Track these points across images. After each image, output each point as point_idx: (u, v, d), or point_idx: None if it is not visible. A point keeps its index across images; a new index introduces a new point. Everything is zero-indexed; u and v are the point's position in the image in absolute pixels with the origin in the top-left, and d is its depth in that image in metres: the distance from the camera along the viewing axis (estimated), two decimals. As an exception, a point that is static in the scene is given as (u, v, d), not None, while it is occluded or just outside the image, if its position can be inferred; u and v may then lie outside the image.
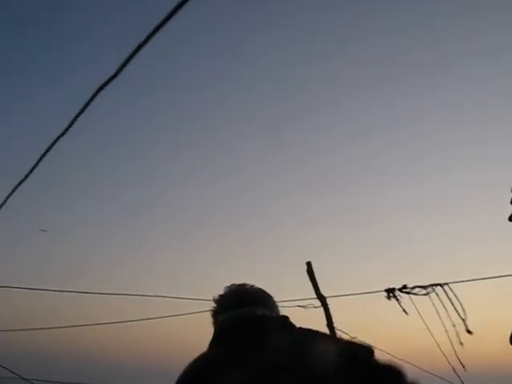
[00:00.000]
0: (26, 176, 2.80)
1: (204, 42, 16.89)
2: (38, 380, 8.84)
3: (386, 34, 15.98)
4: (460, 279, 4.99)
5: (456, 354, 4.88)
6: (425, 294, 5.10)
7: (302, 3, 14.58)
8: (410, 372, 1.58)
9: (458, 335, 4.73)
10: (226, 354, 1.54)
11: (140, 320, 7.65)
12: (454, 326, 4.74)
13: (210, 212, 19.65)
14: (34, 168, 2.65)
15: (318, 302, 5.97)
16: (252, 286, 1.88)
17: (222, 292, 1.87)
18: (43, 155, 2.51)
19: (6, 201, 3.18)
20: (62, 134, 2.32)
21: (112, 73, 1.92)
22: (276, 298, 1.92)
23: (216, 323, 1.78)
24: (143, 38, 1.70)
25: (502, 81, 14.61)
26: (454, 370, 5.08)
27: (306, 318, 5.96)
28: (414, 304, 5.18)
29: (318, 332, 1.70)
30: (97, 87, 2.01)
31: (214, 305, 1.83)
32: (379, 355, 1.63)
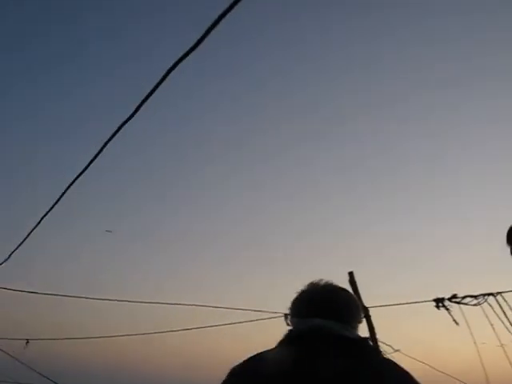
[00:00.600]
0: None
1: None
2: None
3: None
4: (514, 289, 4.69)
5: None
6: (475, 305, 4.86)
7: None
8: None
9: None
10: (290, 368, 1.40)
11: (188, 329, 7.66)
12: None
13: (254, 222, 19.70)
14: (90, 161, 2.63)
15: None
16: (339, 289, 1.66)
17: (304, 287, 1.67)
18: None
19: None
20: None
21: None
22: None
23: (290, 326, 1.60)
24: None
25: None
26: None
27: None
28: (463, 315, 4.92)
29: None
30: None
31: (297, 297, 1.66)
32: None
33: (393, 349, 6.32)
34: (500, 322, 4.61)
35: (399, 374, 1.38)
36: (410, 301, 5.75)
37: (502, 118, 16.07)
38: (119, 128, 2.55)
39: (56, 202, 3.50)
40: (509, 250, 2.01)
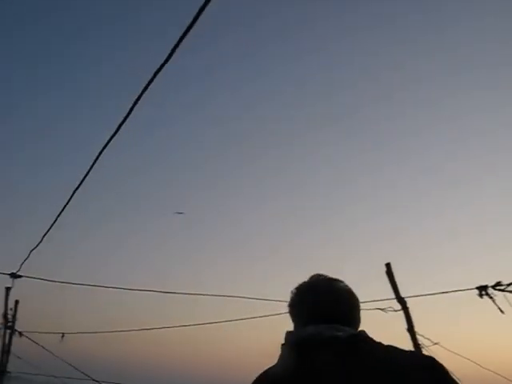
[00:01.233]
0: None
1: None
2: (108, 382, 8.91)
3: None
4: None
5: None
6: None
7: None
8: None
9: None
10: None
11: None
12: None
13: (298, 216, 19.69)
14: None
15: (398, 305, 5.69)
16: (339, 287, 1.71)
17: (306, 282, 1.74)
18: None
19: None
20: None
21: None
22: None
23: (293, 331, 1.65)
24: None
25: None
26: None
27: (386, 321, 5.70)
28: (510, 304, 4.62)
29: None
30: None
31: (293, 296, 1.73)
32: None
33: (431, 342, 6.09)
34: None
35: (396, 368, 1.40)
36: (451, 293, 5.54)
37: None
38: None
39: (76, 189, 3.41)
40: None
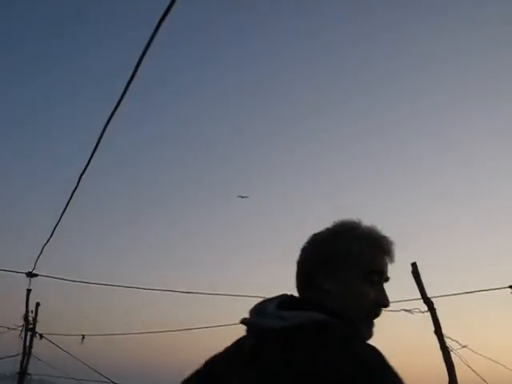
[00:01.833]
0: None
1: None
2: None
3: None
4: None
5: None
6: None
7: None
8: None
9: None
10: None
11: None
12: None
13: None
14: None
15: (424, 307, 5.53)
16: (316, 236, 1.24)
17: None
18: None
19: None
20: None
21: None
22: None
23: None
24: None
25: None
26: None
27: (412, 323, 5.50)
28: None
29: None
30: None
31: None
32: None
33: (460, 344, 5.87)
34: None
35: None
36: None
37: None
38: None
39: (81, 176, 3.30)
40: None
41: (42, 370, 9.29)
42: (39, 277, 8.00)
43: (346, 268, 1.16)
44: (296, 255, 1.23)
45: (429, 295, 5.57)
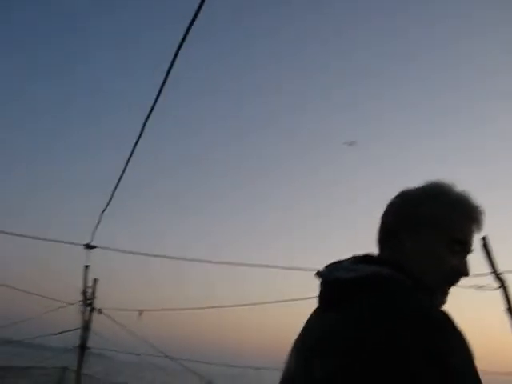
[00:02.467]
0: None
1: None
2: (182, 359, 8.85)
3: None
4: None
5: None
6: None
7: None
8: None
9: None
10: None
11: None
12: None
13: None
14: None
15: (494, 283, 5.31)
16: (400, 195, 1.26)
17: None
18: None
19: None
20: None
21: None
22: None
23: None
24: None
25: None
26: None
27: (484, 300, 5.17)
28: None
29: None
30: None
31: None
32: None
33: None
34: None
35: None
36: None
37: None
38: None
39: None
40: None
41: (101, 344, 9.45)
42: (97, 248, 8.09)
43: (433, 232, 1.16)
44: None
45: (500, 270, 5.27)
